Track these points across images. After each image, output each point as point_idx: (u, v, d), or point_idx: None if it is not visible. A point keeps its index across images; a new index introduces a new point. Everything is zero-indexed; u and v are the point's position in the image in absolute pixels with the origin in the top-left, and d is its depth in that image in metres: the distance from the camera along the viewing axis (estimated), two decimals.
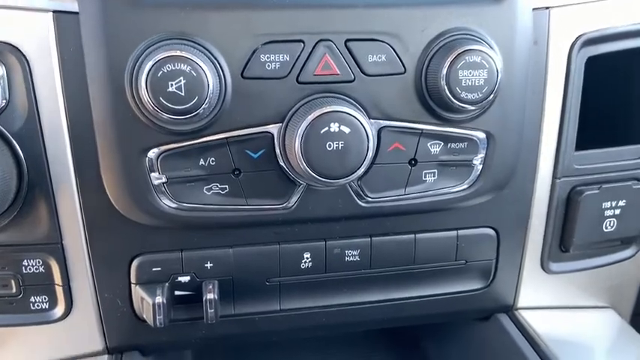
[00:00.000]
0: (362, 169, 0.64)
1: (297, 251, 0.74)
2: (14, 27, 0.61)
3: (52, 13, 0.61)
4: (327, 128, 0.63)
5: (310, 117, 0.62)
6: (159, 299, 0.69)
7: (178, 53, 0.59)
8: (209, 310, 0.70)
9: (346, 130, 0.63)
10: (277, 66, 0.64)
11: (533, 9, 0.72)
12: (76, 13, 0.61)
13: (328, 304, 0.78)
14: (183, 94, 0.60)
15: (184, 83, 0.59)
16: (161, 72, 0.59)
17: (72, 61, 0.62)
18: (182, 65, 0.59)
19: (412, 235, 0.77)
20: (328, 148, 0.63)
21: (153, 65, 0.58)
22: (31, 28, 0.61)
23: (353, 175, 0.64)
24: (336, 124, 0.63)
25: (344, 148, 0.63)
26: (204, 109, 0.60)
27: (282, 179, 0.68)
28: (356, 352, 0.99)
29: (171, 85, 0.59)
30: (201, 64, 0.60)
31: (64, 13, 0.61)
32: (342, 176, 0.64)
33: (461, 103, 0.66)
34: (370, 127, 0.64)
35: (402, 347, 1.00)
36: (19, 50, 0.61)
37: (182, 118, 0.61)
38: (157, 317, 0.69)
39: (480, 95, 0.66)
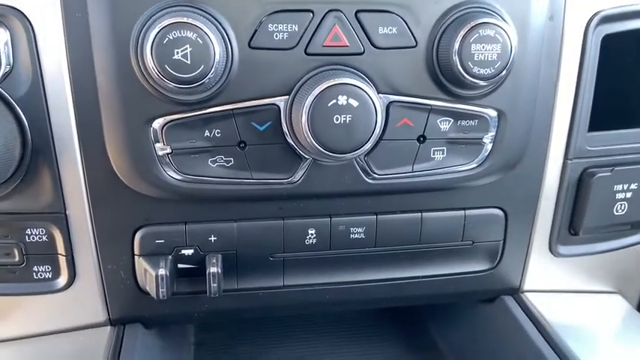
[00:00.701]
0: (369, 144, 0.63)
1: (302, 227, 0.73)
2: None
3: None
4: (334, 101, 0.61)
5: (318, 89, 0.61)
6: (162, 271, 0.69)
7: (185, 20, 0.58)
8: (212, 284, 0.70)
9: (354, 103, 0.62)
10: (285, 36, 0.63)
11: None
12: None
13: (332, 281, 0.78)
14: (188, 62, 0.58)
15: (190, 51, 0.58)
16: (167, 39, 0.57)
17: (77, 27, 0.61)
18: (188, 32, 0.58)
19: (418, 214, 0.76)
20: (335, 122, 0.62)
21: (159, 32, 0.57)
22: None
23: (360, 150, 0.63)
24: (344, 97, 0.61)
25: (351, 122, 0.62)
26: (209, 78, 0.59)
27: (288, 153, 0.67)
28: (358, 330, 0.99)
29: (177, 52, 0.58)
30: (207, 31, 0.58)
31: None
32: (348, 151, 0.63)
33: (473, 78, 0.64)
34: (379, 101, 0.63)
35: (406, 327, 1.00)
36: (23, 15, 0.60)
37: (187, 87, 0.60)
38: (160, 289, 0.69)
39: (493, 71, 0.65)
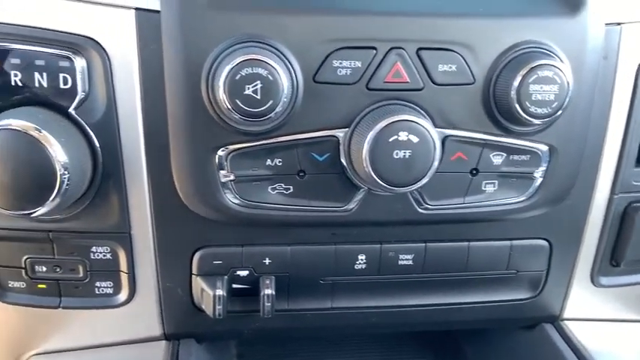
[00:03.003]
0: (426, 179, 0.65)
1: (353, 252, 0.76)
2: (97, 22, 0.63)
3: (134, 11, 0.63)
4: (395, 137, 0.63)
5: (380, 125, 0.63)
6: (219, 292, 0.71)
7: (257, 57, 0.60)
8: (266, 304, 0.73)
9: (414, 139, 0.64)
10: (349, 72, 0.65)
11: (606, 24, 0.71)
12: (157, 11, 0.63)
13: (378, 304, 0.80)
14: (259, 97, 0.61)
15: (261, 87, 0.61)
16: (239, 75, 0.60)
17: (150, 58, 0.64)
18: (259, 69, 0.60)
19: (466, 243, 0.78)
20: (395, 157, 0.64)
21: (232, 68, 0.60)
22: (113, 24, 0.63)
23: (417, 183, 0.65)
24: (405, 133, 0.63)
25: (411, 157, 0.64)
26: (277, 112, 0.62)
27: (344, 182, 0.69)
28: (395, 351, 1.01)
29: (248, 88, 0.60)
30: (277, 67, 0.61)
31: (145, 11, 0.63)
32: (406, 184, 0.65)
33: (529, 117, 0.66)
34: (438, 138, 0.65)
35: (442, 350, 1.02)
36: (100, 45, 0.63)
37: (255, 120, 0.62)
38: (217, 308, 0.72)
39: (549, 110, 0.66)
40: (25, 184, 0.60)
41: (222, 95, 0.61)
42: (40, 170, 0.60)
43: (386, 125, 0.63)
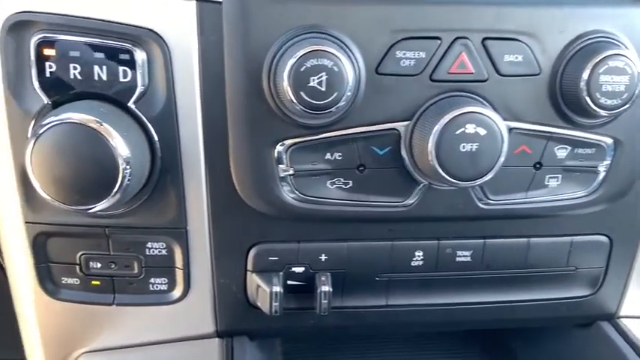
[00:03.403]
0: (493, 172, 0.63)
1: (410, 249, 0.74)
2: (157, 14, 0.62)
3: (195, 2, 0.61)
4: (462, 129, 0.61)
5: (447, 117, 0.61)
6: (276, 288, 0.70)
7: (322, 48, 0.59)
8: (322, 302, 0.71)
9: (482, 132, 0.62)
10: (412, 63, 0.63)
11: None
12: (219, 2, 0.61)
13: (433, 302, 0.78)
14: (323, 89, 0.59)
15: (326, 79, 0.59)
16: (304, 67, 0.58)
17: (211, 50, 0.63)
18: (325, 60, 0.59)
19: (526, 240, 0.76)
20: (462, 150, 0.62)
21: (297, 59, 0.58)
22: (173, 15, 0.62)
23: (483, 178, 0.63)
24: (472, 126, 0.62)
25: (478, 151, 0.62)
26: (341, 104, 0.60)
27: (404, 177, 0.68)
28: (442, 352, 0.99)
29: (313, 80, 0.59)
30: (342, 59, 0.59)
31: (207, 2, 0.61)
32: (472, 178, 0.63)
33: (599, 108, 0.64)
34: (506, 130, 0.63)
35: (490, 350, 1.00)
36: (160, 37, 0.62)
37: (318, 112, 0.61)
38: (273, 305, 0.70)
39: (619, 101, 0.64)
40: (87, 179, 0.59)
41: (285, 87, 0.59)
42: (102, 164, 0.59)
43: (453, 117, 0.61)
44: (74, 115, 0.59)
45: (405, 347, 0.99)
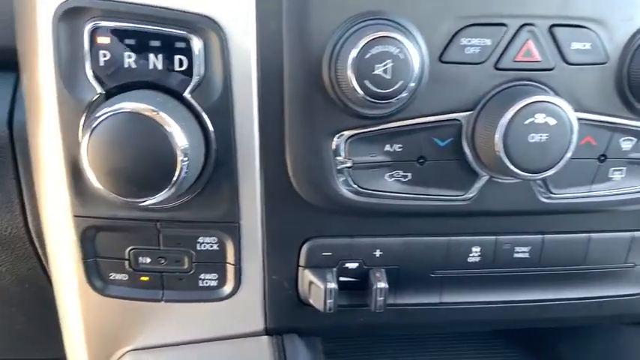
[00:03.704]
0: (561, 164, 0.61)
1: (467, 244, 0.71)
2: (215, 1, 0.59)
3: None
4: (532, 119, 0.59)
5: (516, 106, 0.59)
6: (331, 285, 0.68)
7: (387, 34, 0.57)
8: (378, 299, 0.69)
9: (552, 122, 0.59)
10: (477, 50, 0.61)
11: None
12: None
13: (488, 300, 0.75)
14: (388, 77, 0.57)
15: (391, 66, 0.57)
16: (369, 54, 0.56)
17: (269, 37, 0.60)
18: (390, 47, 0.57)
19: (586, 235, 0.73)
20: (530, 140, 0.60)
21: (362, 46, 0.56)
22: (231, 2, 0.59)
23: (551, 170, 0.61)
24: (542, 115, 0.59)
25: (547, 141, 0.59)
26: (407, 93, 0.58)
27: (464, 170, 0.65)
28: (486, 351, 0.97)
29: (378, 67, 0.57)
30: (408, 45, 0.57)
31: None
32: (539, 170, 0.61)
33: None
34: (576, 120, 0.61)
35: (535, 349, 0.97)
36: (218, 25, 0.60)
37: (381, 102, 0.59)
38: (328, 302, 0.68)
39: None
40: (144, 171, 0.57)
41: (349, 75, 0.57)
42: (160, 155, 0.57)
43: (523, 106, 0.59)
44: (131, 104, 0.57)
45: (445, 345, 0.97)
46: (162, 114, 0.57)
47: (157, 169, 0.58)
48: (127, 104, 0.57)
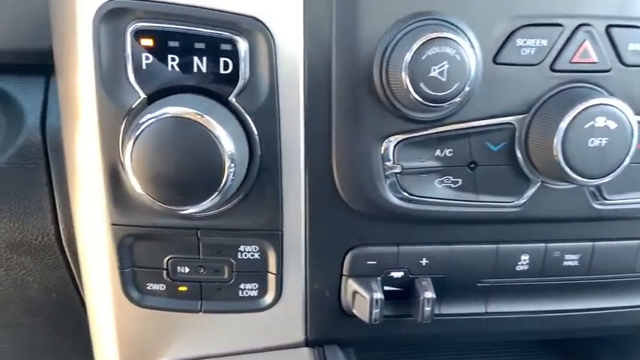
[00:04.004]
0: (621, 169, 0.59)
1: (515, 252, 0.69)
2: (262, 1, 0.57)
3: None
4: (592, 123, 0.57)
5: (575, 109, 0.57)
6: (377, 294, 0.65)
7: (444, 35, 0.55)
8: (425, 309, 0.67)
9: (612, 125, 0.57)
10: (533, 51, 0.59)
11: None
12: None
13: (534, 309, 0.73)
14: (444, 79, 0.55)
15: (447, 68, 0.55)
16: (425, 55, 0.54)
17: (317, 38, 0.58)
18: (447, 48, 0.55)
19: (637, 242, 0.71)
20: (590, 145, 0.58)
21: (418, 47, 0.54)
22: (279, 3, 0.57)
23: (610, 175, 0.59)
24: (603, 119, 0.57)
25: (607, 145, 0.57)
26: (462, 96, 0.56)
27: (517, 175, 0.63)
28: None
29: (434, 69, 0.55)
30: (465, 46, 0.55)
31: None
32: (598, 176, 0.59)
33: None
34: (635, 122, 0.58)
35: (575, 358, 0.95)
36: (265, 26, 0.57)
37: (436, 105, 0.57)
38: (374, 312, 0.66)
39: None
40: (192, 177, 0.55)
41: (403, 78, 0.55)
42: (207, 162, 0.55)
43: (583, 109, 0.57)
44: (176, 108, 0.55)
45: (482, 354, 0.94)
46: (209, 118, 0.55)
47: (204, 175, 0.55)
48: (173, 109, 0.55)
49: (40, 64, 0.71)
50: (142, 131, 0.54)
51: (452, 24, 0.57)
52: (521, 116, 0.61)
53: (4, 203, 0.69)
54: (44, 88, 0.71)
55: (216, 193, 0.56)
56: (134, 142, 0.55)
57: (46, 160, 0.68)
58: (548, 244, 0.69)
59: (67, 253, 0.73)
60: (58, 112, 0.69)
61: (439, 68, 0.55)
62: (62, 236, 0.72)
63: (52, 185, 0.69)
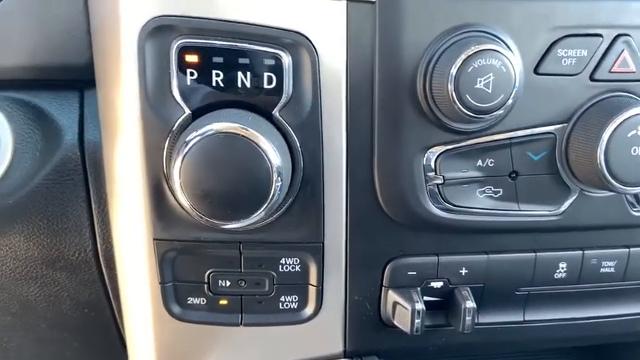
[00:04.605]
0: None
1: (553, 260, 0.70)
2: (305, 16, 0.58)
3: (345, 2, 0.58)
4: (634, 131, 0.58)
5: (618, 119, 0.57)
6: (419, 305, 0.66)
7: (489, 47, 0.55)
8: (466, 318, 0.67)
9: None
10: (573, 62, 0.60)
11: None
12: (371, 2, 0.58)
13: (572, 316, 0.74)
14: (490, 91, 0.56)
15: (493, 79, 0.56)
16: (472, 67, 0.55)
17: (360, 52, 0.59)
18: (493, 60, 0.55)
19: None
20: (632, 153, 0.58)
21: (463, 60, 0.55)
22: (322, 17, 0.58)
23: None
24: None
25: None
26: (507, 107, 0.57)
27: (557, 184, 0.64)
28: None
29: (480, 81, 0.56)
30: (510, 58, 0.56)
31: (357, 2, 0.58)
32: None
33: None
34: None
35: None
36: (308, 40, 0.58)
37: (480, 116, 0.57)
38: (415, 323, 0.66)
39: None
40: (239, 192, 0.55)
41: (449, 89, 0.55)
42: (255, 176, 0.55)
43: (625, 119, 0.58)
44: (223, 124, 0.55)
45: None
46: (255, 132, 0.56)
47: (252, 189, 0.56)
48: (219, 124, 0.56)
49: (73, 79, 0.72)
50: (190, 148, 0.55)
51: (495, 36, 0.58)
52: (561, 125, 0.62)
53: (42, 220, 0.69)
54: (79, 103, 0.71)
55: (264, 206, 0.56)
56: (182, 160, 0.55)
57: (85, 176, 0.69)
58: (586, 252, 0.70)
59: (104, 269, 0.73)
60: (95, 128, 0.70)
61: (485, 80, 0.55)
62: (99, 252, 0.72)
63: (91, 201, 0.69)
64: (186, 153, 0.55)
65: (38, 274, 0.73)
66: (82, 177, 0.68)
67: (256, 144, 0.55)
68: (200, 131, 0.55)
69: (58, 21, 0.69)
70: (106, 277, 0.74)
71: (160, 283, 0.66)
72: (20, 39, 0.68)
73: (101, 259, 0.72)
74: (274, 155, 0.56)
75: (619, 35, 0.60)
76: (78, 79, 0.71)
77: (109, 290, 0.76)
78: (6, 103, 0.71)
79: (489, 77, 0.55)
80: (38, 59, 0.70)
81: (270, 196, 0.56)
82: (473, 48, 0.55)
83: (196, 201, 0.56)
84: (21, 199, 0.68)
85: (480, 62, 0.55)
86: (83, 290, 0.76)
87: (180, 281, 0.67)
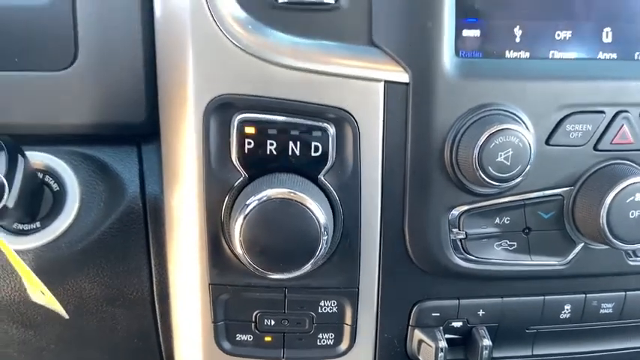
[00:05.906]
0: None
1: (560, 303, 0.78)
2: (348, 94, 0.67)
3: (383, 83, 0.67)
4: (632, 198, 0.67)
5: (618, 187, 0.66)
6: (442, 343, 0.74)
7: (509, 126, 0.64)
8: (484, 354, 0.76)
9: None
10: (580, 135, 0.69)
11: None
12: (406, 84, 0.67)
13: (574, 350, 0.83)
14: (508, 163, 0.65)
15: (512, 154, 0.65)
16: (494, 143, 0.64)
17: (394, 125, 0.68)
18: (512, 137, 0.64)
19: None
20: (630, 216, 0.67)
21: (487, 137, 0.64)
22: (363, 95, 0.67)
23: None
24: None
25: None
26: (524, 176, 0.66)
27: (564, 238, 0.73)
28: None
29: (500, 155, 0.64)
30: (526, 134, 0.65)
31: (394, 84, 0.67)
32: (636, 242, 0.68)
33: None
34: None
35: None
36: (351, 115, 0.67)
37: (500, 184, 0.66)
38: (439, 358, 0.75)
39: None
40: (291, 249, 0.64)
41: (474, 161, 0.64)
42: (306, 234, 0.64)
43: (624, 187, 0.67)
44: (278, 190, 0.64)
45: None
46: (305, 196, 0.64)
47: (303, 246, 0.64)
48: (274, 190, 0.64)
49: (130, 135, 0.80)
50: (250, 211, 0.63)
51: (512, 113, 0.67)
52: (568, 189, 0.71)
53: (106, 263, 0.77)
54: (138, 157, 0.79)
55: (312, 260, 0.65)
56: (243, 220, 0.63)
57: (145, 224, 0.77)
58: (588, 295, 0.79)
59: (157, 305, 0.81)
60: (154, 181, 0.78)
61: (505, 154, 0.64)
62: (154, 290, 0.80)
63: (149, 246, 0.78)
64: (247, 215, 0.63)
65: (98, 310, 0.80)
66: (143, 225, 0.76)
67: (306, 206, 0.64)
68: (258, 196, 0.64)
69: (121, 85, 0.77)
70: (157, 313, 0.82)
71: (212, 322, 0.75)
72: (88, 100, 0.76)
73: (155, 297, 0.80)
74: (321, 215, 0.65)
75: (619, 112, 0.69)
76: (136, 134, 0.80)
77: (159, 324, 0.84)
78: (72, 156, 0.79)
79: (509, 152, 0.64)
80: (103, 117, 0.77)
81: (318, 251, 0.65)
82: (494, 127, 0.64)
83: (254, 256, 0.64)
84: (88, 246, 0.76)
85: (500, 140, 0.64)
86: (136, 323, 0.84)
87: (231, 320, 0.75)
